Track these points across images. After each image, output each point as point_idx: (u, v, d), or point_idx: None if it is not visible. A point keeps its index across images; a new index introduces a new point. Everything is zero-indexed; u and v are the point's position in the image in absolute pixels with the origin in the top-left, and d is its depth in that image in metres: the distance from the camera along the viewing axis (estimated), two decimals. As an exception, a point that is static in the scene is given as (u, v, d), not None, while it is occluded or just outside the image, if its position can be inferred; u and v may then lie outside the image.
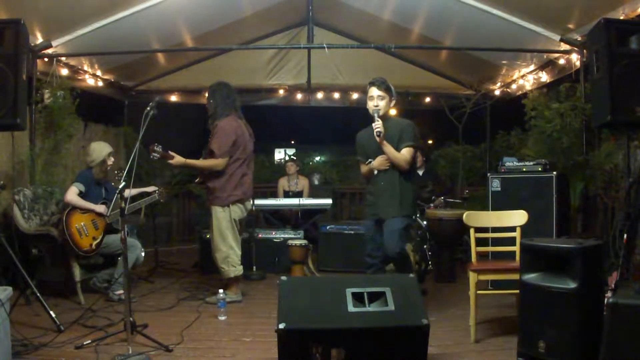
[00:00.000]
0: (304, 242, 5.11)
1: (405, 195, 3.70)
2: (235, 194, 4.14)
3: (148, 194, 4.70)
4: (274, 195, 6.93)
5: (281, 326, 2.51)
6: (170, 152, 4.00)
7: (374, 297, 2.68)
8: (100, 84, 6.24)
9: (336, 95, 7.69)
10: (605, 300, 2.49)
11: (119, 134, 7.48)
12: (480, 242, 3.62)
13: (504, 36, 5.19)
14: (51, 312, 3.40)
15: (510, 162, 4.41)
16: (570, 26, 4.75)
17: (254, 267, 5.27)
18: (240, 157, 4.16)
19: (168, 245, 7.05)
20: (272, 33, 6.75)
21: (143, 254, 4.48)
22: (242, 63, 7.00)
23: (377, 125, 3.59)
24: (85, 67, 5.81)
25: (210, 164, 4.08)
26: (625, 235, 3.00)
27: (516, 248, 3.43)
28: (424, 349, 2.63)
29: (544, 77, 5.65)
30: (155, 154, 3.84)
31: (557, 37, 4.91)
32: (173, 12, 5.09)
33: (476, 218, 3.62)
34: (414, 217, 3.85)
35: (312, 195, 6.70)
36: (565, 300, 2.67)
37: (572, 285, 2.66)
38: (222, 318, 3.79)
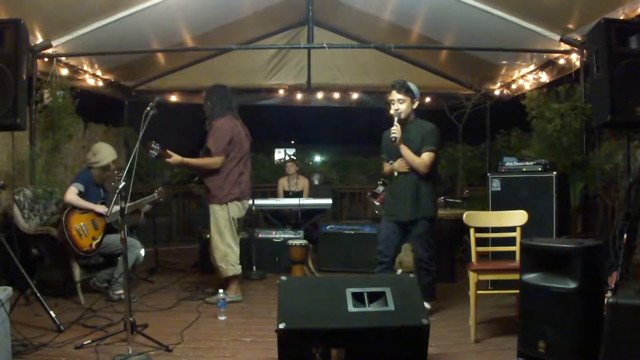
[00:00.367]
0: (304, 242, 5.11)
1: (425, 198, 3.74)
2: (233, 192, 4.17)
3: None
4: (274, 195, 6.93)
5: (281, 326, 2.51)
6: (168, 150, 4.01)
7: (374, 297, 2.68)
8: (100, 84, 6.24)
9: (336, 95, 7.68)
10: (605, 300, 2.48)
11: (119, 134, 7.49)
12: (480, 242, 3.62)
13: (504, 36, 5.19)
14: (51, 312, 3.41)
15: (510, 162, 4.41)
16: (570, 26, 4.75)
17: (254, 267, 5.28)
18: (236, 155, 4.19)
19: (168, 245, 7.05)
20: (272, 33, 6.75)
21: (143, 252, 4.48)
22: (242, 63, 7.00)
23: (394, 130, 3.67)
24: (85, 67, 5.81)
25: (207, 162, 4.11)
26: (625, 235, 2.99)
27: (516, 248, 3.43)
28: (424, 349, 2.63)
29: (544, 77, 5.65)
30: (153, 152, 3.84)
31: (557, 37, 4.91)
32: (173, 12, 5.09)
33: (476, 218, 3.62)
34: (435, 218, 3.86)
35: (312, 195, 6.70)
36: (565, 300, 2.67)
37: (572, 285, 2.66)
38: (222, 318, 3.79)
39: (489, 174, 4.47)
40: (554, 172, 4.17)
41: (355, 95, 7.59)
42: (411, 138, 3.73)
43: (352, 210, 8.11)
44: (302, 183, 6.74)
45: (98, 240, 4.15)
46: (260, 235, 5.50)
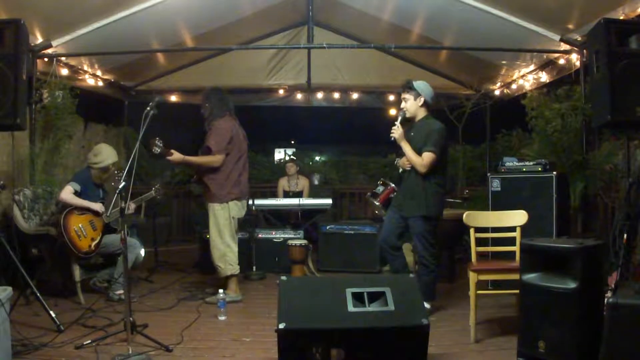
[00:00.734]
0: (304, 242, 5.11)
1: (426, 197, 3.76)
2: (234, 192, 4.20)
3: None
4: (274, 195, 6.93)
5: (281, 326, 2.51)
6: (169, 150, 4.03)
7: (374, 297, 2.68)
8: (100, 84, 6.24)
9: (336, 95, 7.69)
10: (605, 300, 2.48)
11: (119, 134, 7.49)
12: (480, 242, 3.62)
13: (504, 36, 5.18)
14: (51, 312, 3.41)
15: (510, 162, 4.41)
16: (570, 26, 4.75)
17: (254, 267, 5.28)
18: (236, 155, 4.23)
19: (168, 245, 7.05)
20: (272, 33, 6.74)
21: (143, 251, 4.49)
22: (242, 63, 7.01)
23: (393, 129, 3.77)
24: (85, 67, 5.81)
25: (208, 160, 4.13)
26: (625, 235, 2.99)
27: (516, 248, 3.43)
28: (424, 349, 2.63)
29: (544, 77, 5.65)
30: (156, 148, 3.88)
31: (557, 37, 4.91)
32: (173, 12, 5.09)
33: (476, 218, 3.62)
34: (439, 218, 3.86)
35: (312, 195, 6.70)
36: (565, 300, 2.67)
37: (572, 285, 2.66)
38: (222, 318, 3.79)
39: (489, 174, 4.47)
40: (554, 172, 4.18)
41: (355, 95, 7.59)
42: (416, 136, 3.79)
43: (352, 210, 8.11)
44: (302, 183, 6.74)
45: (97, 241, 4.15)
46: (260, 235, 5.50)
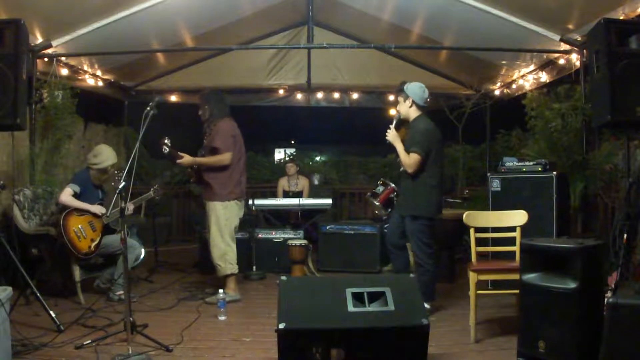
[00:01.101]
0: (304, 242, 5.11)
1: (415, 196, 3.81)
2: (235, 191, 4.25)
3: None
4: (274, 195, 6.93)
5: (281, 326, 2.51)
6: (179, 152, 4.13)
7: (374, 297, 2.68)
8: (100, 84, 6.24)
9: (336, 95, 7.69)
10: (605, 300, 2.48)
11: (119, 134, 7.49)
12: (480, 242, 3.62)
13: (504, 36, 5.18)
14: (51, 312, 3.41)
15: (510, 162, 4.41)
16: (570, 26, 4.75)
17: (254, 267, 5.27)
18: (237, 155, 4.28)
19: (168, 245, 7.05)
20: (272, 33, 6.74)
21: (143, 250, 4.49)
22: (242, 63, 7.00)
23: (387, 132, 3.88)
24: (85, 67, 5.81)
25: (217, 159, 4.18)
26: (625, 235, 2.99)
27: (516, 248, 3.43)
28: (424, 349, 2.63)
29: (544, 77, 5.65)
30: (165, 147, 3.91)
31: (557, 37, 4.91)
32: (173, 12, 5.09)
33: (476, 218, 3.62)
34: (432, 218, 3.86)
35: (312, 195, 6.70)
36: (565, 300, 2.67)
37: (572, 285, 2.66)
38: (222, 318, 3.79)
39: (489, 174, 4.47)
40: (554, 172, 4.18)
41: (355, 95, 7.59)
42: (408, 137, 3.89)
43: (352, 210, 8.11)
44: (302, 183, 6.74)
45: (96, 242, 4.15)
46: (260, 235, 5.50)
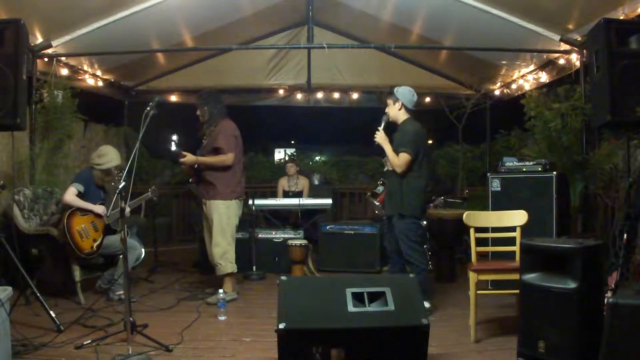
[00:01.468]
0: (304, 242, 5.11)
1: (402, 195, 3.86)
2: (237, 190, 4.30)
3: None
4: (274, 195, 6.93)
5: (281, 326, 2.51)
6: (182, 151, 4.17)
7: (374, 297, 2.68)
8: (100, 84, 6.24)
9: (336, 95, 7.68)
10: (605, 300, 2.48)
11: (119, 134, 7.49)
12: (480, 242, 3.62)
13: (504, 36, 5.18)
14: (51, 312, 3.41)
15: (510, 162, 4.41)
16: (570, 26, 4.75)
17: (254, 267, 5.28)
18: (238, 155, 4.31)
19: (168, 245, 7.05)
20: (272, 33, 6.74)
21: (143, 252, 4.49)
22: (242, 63, 7.00)
23: (376, 133, 3.96)
24: (85, 67, 5.81)
25: (220, 159, 4.20)
26: (625, 235, 2.99)
27: (516, 248, 3.43)
28: (424, 349, 2.63)
29: (544, 77, 5.65)
30: (173, 144, 3.93)
31: (557, 37, 4.91)
32: (173, 12, 5.09)
33: (476, 218, 3.62)
34: (419, 217, 3.89)
35: (312, 195, 6.70)
36: (565, 300, 2.67)
37: (572, 285, 2.66)
38: (222, 318, 3.79)
39: (489, 174, 4.47)
40: (554, 172, 4.18)
41: (355, 95, 7.59)
42: (396, 138, 3.98)
43: (352, 210, 8.11)
44: (302, 183, 6.74)
45: (99, 242, 4.15)
46: (260, 235, 5.50)
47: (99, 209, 4.22)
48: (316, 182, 8.05)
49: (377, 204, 4.33)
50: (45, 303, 3.45)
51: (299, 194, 6.57)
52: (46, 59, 5.03)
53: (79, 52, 5.33)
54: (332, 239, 5.56)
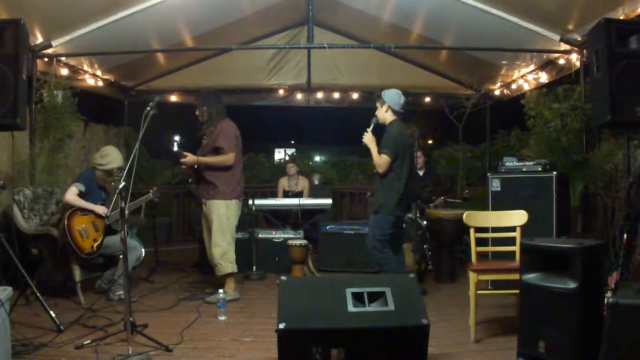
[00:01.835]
0: (304, 242, 5.11)
1: (384, 195, 4.00)
2: (237, 190, 4.30)
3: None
4: (274, 195, 6.93)
5: (281, 326, 2.51)
6: (183, 152, 4.17)
7: (374, 297, 2.68)
8: (100, 84, 6.24)
9: (336, 95, 7.69)
10: (605, 300, 2.48)
11: (119, 134, 7.49)
12: (480, 242, 3.62)
13: (504, 36, 5.19)
14: (51, 312, 3.40)
15: (510, 162, 4.41)
16: (570, 26, 4.75)
17: (254, 267, 5.27)
18: (238, 155, 4.31)
19: (168, 245, 7.05)
20: (272, 33, 6.74)
21: (143, 250, 4.49)
22: (242, 63, 7.00)
23: (364, 135, 4.05)
24: (85, 67, 5.81)
25: (221, 159, 4.20)
26: (625, 235, 2.99)
27: (516, 248, 3.42)
28: (424, 349, 2.63)
29: (544, 77, 5.65)
30: (175, 144, 3.94)
31: (557, 37, 4.91)
32: (173, 12, 5.09)
33: (476, 218, 3.62)
34: (389, 214, 4.00)
35: (312, 195, 6.70)
36: (565, 300, 2.67)
37: (572, 285, 2.66)
38: (222, 318, 3.79)
39: (489, 174, 4.47)
40: (554, 172, 4.18)
41: (355, 95, 7.59)
42: (383, 139, 4.07)
43: (352, 210, 8.10)
44: (302, 183, 6.73)
45: (99, 242, 4.15)
46: (260, 235, 5.50)
47: (100, 209, 4.22)
48: (316, 182, 8.05)
49: (377, 204, 4.33)
50: (45, 303, 3.45)
51: (299, 194, 6.57)
52: (46, 59, 5.03)
53: (79, 52, 5.33)
54: (332, 239, 5.56)
